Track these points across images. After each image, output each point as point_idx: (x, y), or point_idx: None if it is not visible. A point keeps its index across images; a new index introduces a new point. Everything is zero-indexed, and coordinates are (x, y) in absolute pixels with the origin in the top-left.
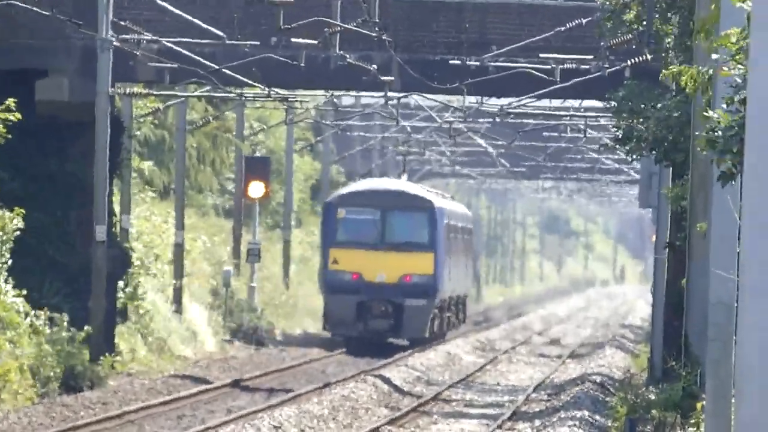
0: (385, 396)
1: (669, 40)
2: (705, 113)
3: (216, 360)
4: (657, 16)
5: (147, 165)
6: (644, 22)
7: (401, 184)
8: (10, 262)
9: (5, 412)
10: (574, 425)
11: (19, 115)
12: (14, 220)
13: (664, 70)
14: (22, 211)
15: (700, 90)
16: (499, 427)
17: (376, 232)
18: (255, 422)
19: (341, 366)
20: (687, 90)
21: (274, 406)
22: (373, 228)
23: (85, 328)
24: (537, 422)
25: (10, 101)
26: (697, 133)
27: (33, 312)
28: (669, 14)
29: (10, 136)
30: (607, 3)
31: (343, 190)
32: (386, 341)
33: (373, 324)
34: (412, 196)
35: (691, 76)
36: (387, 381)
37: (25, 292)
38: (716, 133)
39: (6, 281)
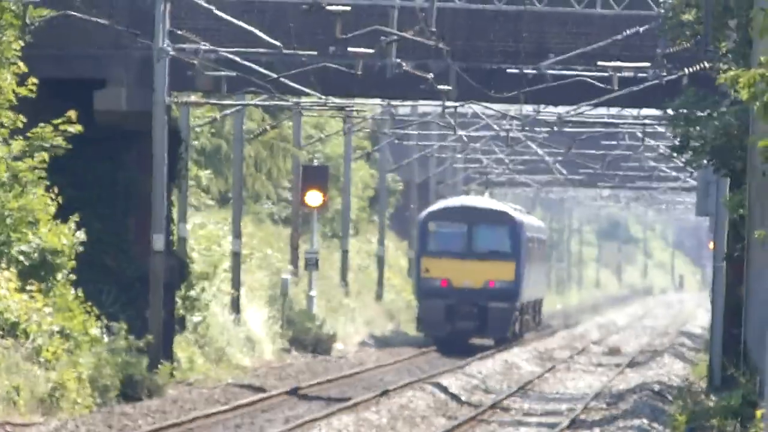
0: (442, 405)
1: (725, 44)
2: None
3: (274, 368)
4: (713, 21)
5: (204, 173)
6: (701, 27)
7: (486, 200)
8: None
9: (63, 421)
10: None
11: (80, 127)
12: (76, 233)
13: (721, 74)
14: (77, 218)
15: (757, 97)
16: None
17: (463, 243)
18: (313, 431)
19: (399, 374)
20: (743, 97)
21: (331, 415)
22: (461, 239)
23: (146, 336)
24: (596, 431)
25: (71, 113)
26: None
27: (90, 321)
28: (726, 20)
29: (70, 146)
30: (668, 2)
31: (434, 207)
32: (469, 341)
33: (460, 325)
34: (495, 211)
35: (748, 81)
36: (444, 390)
37: (80, 301)
38: None
39: (68, 292)
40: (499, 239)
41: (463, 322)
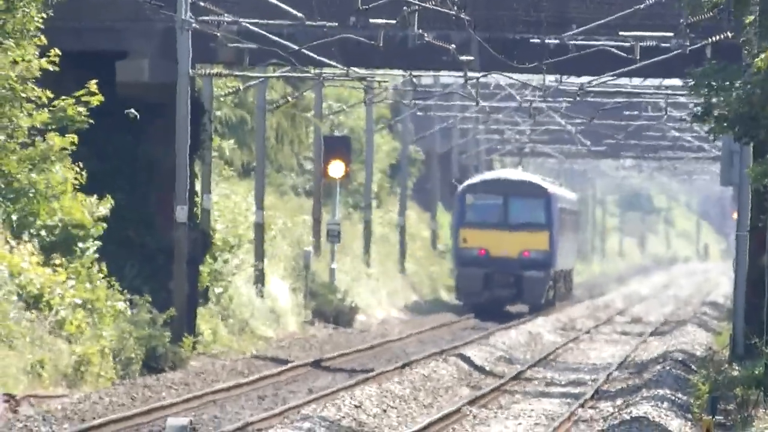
0: (466, 375)
1: (750, 17)
2: None
3: (297, 340)
4: None
5: (227, 144)
6: None
7: (520, 173)
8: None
9: (87, 393)
10: (657, 404)
11: (101, 98)
12: (100, 207)
13: (745, 49)
14: (111, 200)
15: None
16: (582, 406)
17: (500, 214)
18: (336, 402)
19: (422, 345)
20: (761, 68)
21: (354, 386)
22: (498, 211)
23: (168, 310)
24: (619, 401)
25: (92, 84)
26: None
27: (114, 294)
28: None
29: (92, 122)
30: None
31: (471, 180)
32: (505, 309)
33: (497, 292)
34: (530, 183)
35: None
36: (468, 360)
37: (103, 274)
38: None
39: (91, 265)
40: (533, 211)
41: (500, 290)
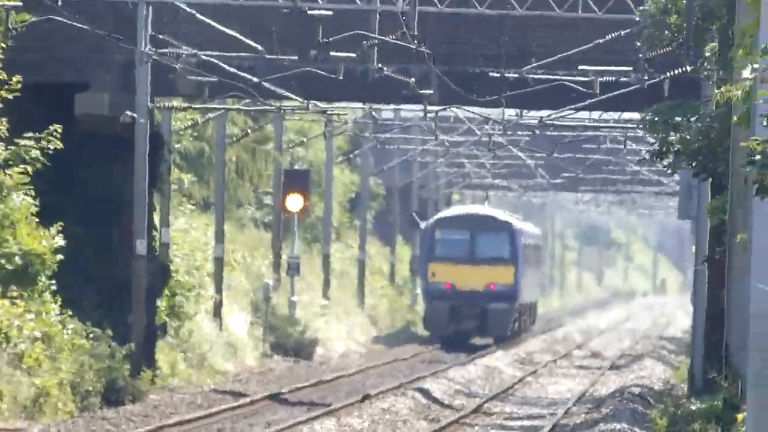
0: (424, 408)
1: (708, 50)
2: (743, 130)
3: (255, 373)
4: (695, 25)
5: (187, 177)
6: (684, 32)
7: (486, 209)
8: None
9: (46, 426)
10: None
11: (60, 144)
12: (55, 238)
13: (704, 78)
14: (61, 224)
15: (740, 99)
16: None
17: (467, 249)
18: None
19: (381, 378)
20: (719, 103)
21: (313, 419)
22: (465, 246)
23: (128, 344)
24: None
25: (56, 127)
26: (739, 143)
27: (73, 327)
28: (707, 26)
29: (49, 164)
30: (648, 7)
31: (439, 215)
32: (470, 341)
33: (464, 324)
34: (495, 219)
35: (725, 93)
36: (427, 394)
37: (62, 307)
38: (756, 152)
39: (50, 297)
40: (499, 245)
41: (466, 322)
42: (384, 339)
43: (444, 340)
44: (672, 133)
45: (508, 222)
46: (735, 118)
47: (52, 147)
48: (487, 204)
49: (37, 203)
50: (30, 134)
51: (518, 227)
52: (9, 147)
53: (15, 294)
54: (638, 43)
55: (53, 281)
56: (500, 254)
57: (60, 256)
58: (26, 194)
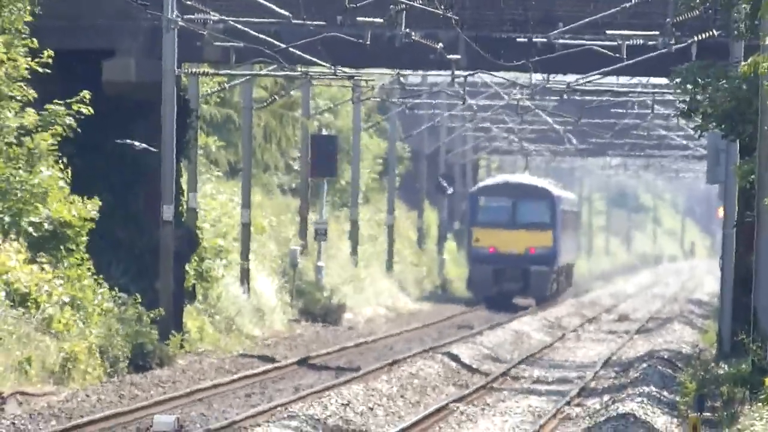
0: (453, 373)
1: (737, 15)
2: None
3: (283, 338)
4: None
5: (213, 140)
6: None
7: (527, 177)
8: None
9: (74, 390)
10: (643, 401)
11: (91, 110)
12: (88, 208)
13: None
14: (98, 202)
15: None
16: (568, 403)
17: (508, 215)
18: (323, 400)
19: (409, 344)
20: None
21: (341, 384)
22: (506, 212)
23: (156, 309)
24: (605, 398)
25: (85, 93)
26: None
27: (101, 292)
28: None
29: (79, 130)
30: None
31: (482, 183)
32: (513, 301)
33: (506, 286)
34: (535, 187)
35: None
36: (455, 358)
37: (91, 273)
38: None
39: (79, 263)
40: (538, 211)
41: (509, 284)
42: (425, 298)
43: (487, 300)
44: (701, 94)
45: (547, 189)
46: (766, 84)
47: (83, 111)
48: (527, 172)
49: (67, 173)
50: (59, 101)
51: (557, 194)
52: (39, 113)
53: (44, 260)
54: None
55: (82, 248)
56: (540, 220)
57: (90, 224)
58: (57, 161)
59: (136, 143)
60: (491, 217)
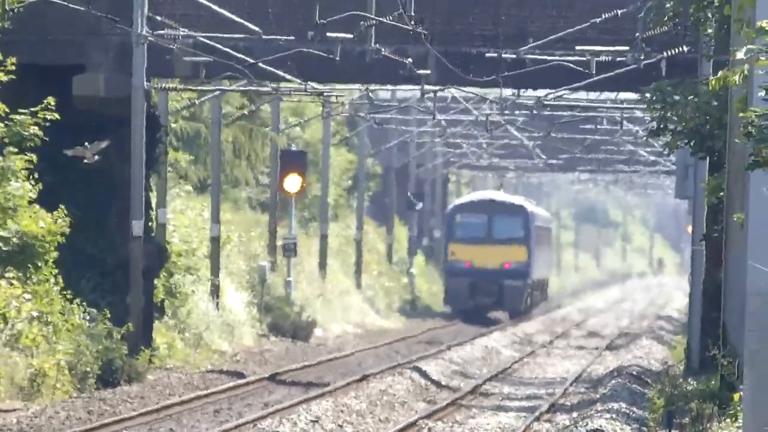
0: (422, 390)
1: (706, 30)
2: (741, 112)
3: (252, 354)
4: (693, 6)
5: (181, 156)
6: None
7: (502, 194)
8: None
9: (43, 406)
10: (612, 417)
11: (57, 116)
12: (57, 221)
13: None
14: (65, 215)
15: (738, 79)
16: (537, 419)
17: (484, 230)
18: (292, 416)
19: (378, 360)
20: (715, 88)
21: (310, 400)
22: (482, 228)
23: (126, 324)
24: (575, 414)
25: (50, 99)
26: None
27: (70, 307)
28: (705, 3)
29: (47, 139)
30: None
31: (459, 201)
32: (487, 315)
33: (481, 300)
34: (511, 204)
35: (723, 78)
36: (424, 374)
37: (59, 288)
38: (752, 125)
39: (48, 278)
40: (513, 227)
41: (484, 297)
42: (395, 314)
43: (462, 313)
44: (670, 112)
45: (522, 206)
46: (735, 101)
47: (48, 119)
48: (502, 189)
49: (37, 188)
50: (24, 110)
51: (531, 210)
52: (7, 124)
53: (12, 275)
54: (646, 12)
55: (51, 262)
56: (514, 235)
57: (59, 238)
58: (27, 177)
59: (87, 148)
60: (467, 232)
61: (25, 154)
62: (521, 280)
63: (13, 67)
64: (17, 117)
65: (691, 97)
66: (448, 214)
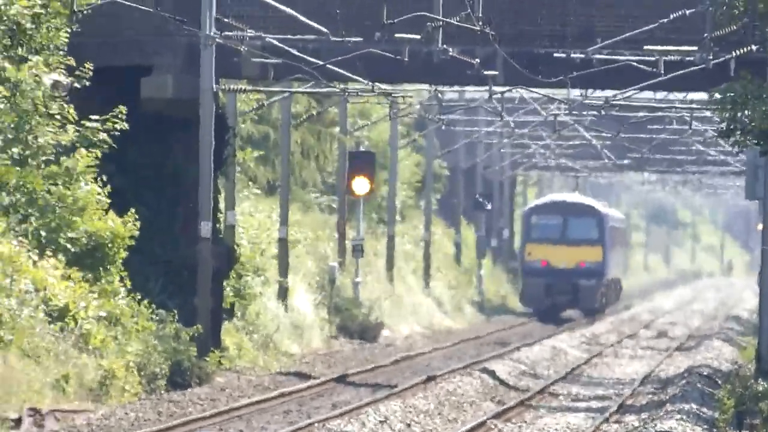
0: (491, 390)
1: None
2: None
3: (321, 355)
4: (762, 5)
5: (250, 155)
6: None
7: (576, 196)
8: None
9: (112, 408)
10: (682, 418)
11: (126, 125)
12: (127, 225)
13: None
14: (135, 219)
15: None
16: (606, 420)
17: (559, 231)
18: (360, 417)
19: (446, 361)
20: None
21: (379, 401)
22: (558, 229)
23: (195, 326)
24: (644, 415)
25: (121, 109)
26: None
27: (139, 309)
28: None
29: (115, 146)
30: None
31: (535, 202)
32: (561, 314)
33: (557, 299)
34: (585, 205)
35: None
36: (493, 375)
37: (128, 289)
38: None
39: (117, 279)
40: (588, 228)
41: (559, 296)
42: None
43: (539, 312)
44: (740, 113)
45: (595, 207)
46: None
47: (118, 128)
48: (578, 192)
49: (105, 190)
50: (95, 117)
51: (605, 212)
52: (77, 130)
53: (82, 276)
54: (714, 12)
55: (120, 264)
56: (589, 236)
57: (128, 241)
58: (95, 179)
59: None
60: (543, 233)
61: (93, 154)
62: (596, 279)
63: (89, 74)
64: (88, 124)
65: (760, 100)
66: (525, 215)
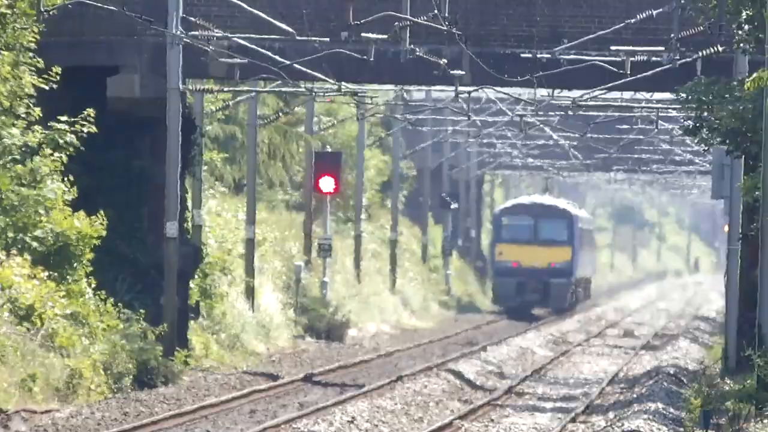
0: (457, 390)
1: (740, 32)
2: None
3: (288, 355)
4: (728, 6)
5: (216, 154)
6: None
7: (547, 198)
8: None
9: (79, 407)
10: (649, 418)
11: (95, 128)
12: (95, 224)
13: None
14: (103, 218)
15: None
16: (573, 420)
17: (530, 232)
18: (327, 417)
19: (413, 360)
20: (750, 91)
21: (346, 401)
22: (528, 230)
23: (161, 325)
24: (611, 415)
25: (89, 111)
26: None
27: (105, 308)
28: (741, 4)
29: (82, 148)
30: None
31: (506, 204)
32: (532, 311)
33: (528, 297)
34: (555, 207)
35: (758, 79)
36: (459, 375)
37: (94, 288)
38: None
39: (83, 279)
40: (558, 229)
41: (530, 295)
42: (429, 314)
43: (510, 311)
44: (705, 111)
45: (565, 209)
46: None
47: (85, 131)
48: (548, 194)
49: (72, 190)
50: (64, 118)
51: (574, 213)
52: (43, 131)
53: (48, 275)
54: (690, 8)
55: (86, 263)
56: (559, 236)
57: (95, 241)
58: (62, 179)
59: None
60: (514, 234)
61: (59, 157)
62: (566, 278)
63: (57, 77)
64: (56, 125)
65: (727, 96)
66: (495, 216)
